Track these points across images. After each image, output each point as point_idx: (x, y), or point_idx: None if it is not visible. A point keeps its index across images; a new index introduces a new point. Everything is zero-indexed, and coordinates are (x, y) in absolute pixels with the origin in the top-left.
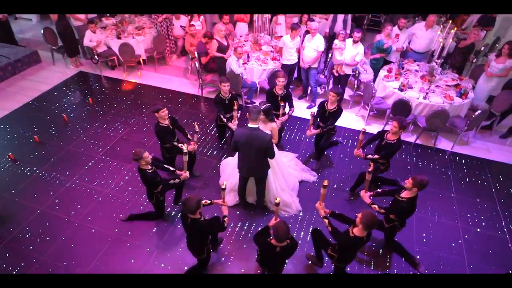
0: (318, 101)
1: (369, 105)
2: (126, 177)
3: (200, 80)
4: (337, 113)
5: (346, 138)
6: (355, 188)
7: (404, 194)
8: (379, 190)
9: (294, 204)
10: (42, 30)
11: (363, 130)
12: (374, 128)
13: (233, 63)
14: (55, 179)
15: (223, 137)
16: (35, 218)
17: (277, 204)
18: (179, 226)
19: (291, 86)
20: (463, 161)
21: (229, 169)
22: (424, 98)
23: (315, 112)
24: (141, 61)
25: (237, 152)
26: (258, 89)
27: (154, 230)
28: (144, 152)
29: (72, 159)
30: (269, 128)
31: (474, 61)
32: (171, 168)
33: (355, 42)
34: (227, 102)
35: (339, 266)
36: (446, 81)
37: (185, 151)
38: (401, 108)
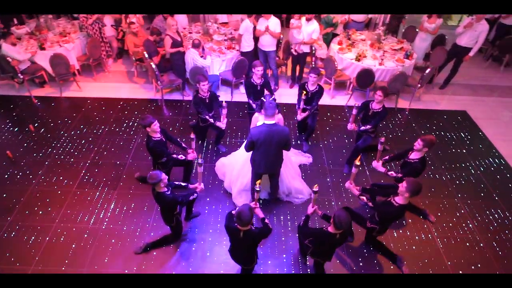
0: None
1: (332, 79)
2: (113, 205)
3: (159, 82)
4: (320, 92)
5: (320, 113)
6: (352, 161)
7: (414, 156)
8: (386, 157)
9: (305, 189)
10: None
11: (356, 105)
12: (339, 100)
13: (197, 57)
14: (27, 235)
15: (205, 138)
16: None
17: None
18: (202, 242)
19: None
20: (421, 115)
21: (235, 170)
22: (380, 64)
23: (299, 95)
24: (76, 71)
25: (236, 152)
26: (220, 81)
27: (178, 253)
28: (161, 173)
29: (41, 200)
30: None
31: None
32: (183, 184)
33: (308, 20)
34: (207, 101)
35: (377, 236)
36: (392, 46)
37: (199, 162)
38: (365, 77)
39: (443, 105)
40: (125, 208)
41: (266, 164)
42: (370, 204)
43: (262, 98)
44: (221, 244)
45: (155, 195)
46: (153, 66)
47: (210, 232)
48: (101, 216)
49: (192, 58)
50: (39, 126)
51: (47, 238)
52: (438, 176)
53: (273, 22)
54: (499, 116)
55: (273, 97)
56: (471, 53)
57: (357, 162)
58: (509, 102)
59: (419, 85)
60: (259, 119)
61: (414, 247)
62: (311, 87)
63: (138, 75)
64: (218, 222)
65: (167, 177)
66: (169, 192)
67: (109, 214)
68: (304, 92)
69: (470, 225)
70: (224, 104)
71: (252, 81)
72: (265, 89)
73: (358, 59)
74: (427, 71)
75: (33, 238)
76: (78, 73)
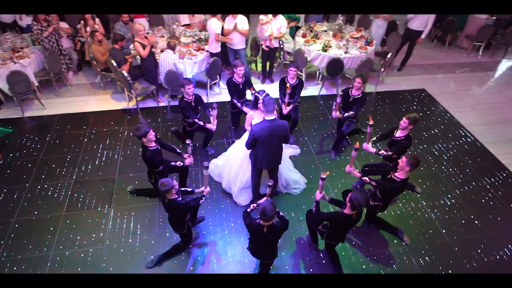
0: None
1: (304, 71)
2: (111, 222)
3: (132, 91)
4: (301, 85)
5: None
6: (337, 146)
7: (400, 134)
8: (374, 138)
9: (301, 179)
10: None
11: (340, 93)
12: (311, 91)
13: (178, 60)
14: (22, 269)
15: None
16: None
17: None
18: (212, 245)
19: (224, 71)
20: (387, 96)
21: (233, 169)
22: (345, 53)
23: (281, 90)
24: (35, 88)
25: (229, 152)
26: (194, 84)
27: (191, 260)
28: (172, 180)
29: (28, 232)
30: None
31: None
32: (189, 189)
33: (275, 15)
34: (193, 104)
35: (379, 213)
36: (352, 34)
37: (205, 164)
38: (335, 66)
39: (404, 85)
40: (125, 223)
41: (269, 160)
42: (373, 183)
43: (256, 94)
44: (232, 243)
45: (167, 203)
46: (125, 74)
47: (219, 235)
48: (101, 235)
49: (170, 62)
50: (7, 153)
51: (47, 269)
52: (414, 150)
53: (241, 20)
54: (452, 91)
55: (265, 93)
56: (422, 36)
57: (357, 146)
58: (457, 77)
59: (383, 69)
60: (254, 116)
61: (410, 221)
62: (292, 81)
63: (105, 86)
64: (224, 223)
65: (177, 183)
66: (180, 199)
67: (108, 232)
68: (287, 85)
69: (453, 193)
70: (214, 105)
71: (234, 80)
72: (246, 87)
73: (324, 49)
74: (389, 55)
75: (30, 270)
76: (38, 90)
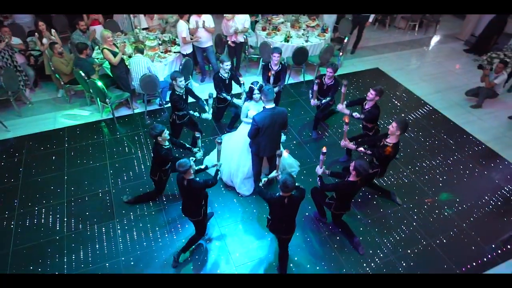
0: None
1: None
2: (119, 234)
3: (107, 100)
4: (284, 70)
5: None
6: (316, 126)
7: (368, 105)
8: (347, 102)
9: (294, 162)
10: None
11: (316, 81)
12: None
13: (151, 64)
14: None
15: (179, 136)
16: None
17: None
18: (225, 239)
19: (195, 72)
20: (347, 78)
21: (233, 162)
22: (306, 41)
23: (264, 76)
24: None
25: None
26: (168, 87)
27: (210, 255)
28: (189, 160)
29: (31, 259)
30: None
31: None
32: (203, 167)
33: None
34: (184, 97)
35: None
36: (308, 24)
37: (219, 140)
38: (300, 55)
39: (359, 66)
40: (135, 233)
41: (271, 147)
42: (369, 152)
43: (251, 85)
44: (241, 236)
45: (186, 184)
46: (100, 83)
47: (231, 228)
48: (113, 250)
49: (147, 64)
50: None
51: None
52: (384, 123)
53: (207, 18)
54: (401, 67)
55: (259, 84)
56: (370, 20)
57: (347, 120)
58: (401, 54)
59: (341, 53)
60: (249, 108)
61: (394, 187)
62: (275, 67)
63: (70, 100)
64: (232, 216)
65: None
66: (197, 179)
67: (120, 245)
68: (270, 72)
69: (427, 161)
70: (209, 94)
71: (221, 75)
72: (233, 81)
73: (287, 40)
74: (346, 40)
75: None
76: None
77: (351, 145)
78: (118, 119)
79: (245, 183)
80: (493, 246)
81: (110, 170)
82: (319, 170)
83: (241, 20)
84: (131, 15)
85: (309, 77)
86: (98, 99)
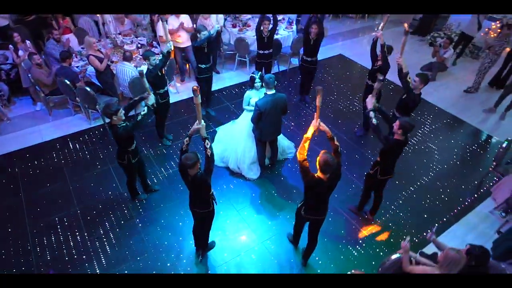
0: None
1: (247, 57)
2: (142, 228)
3: (98, 106)
4: (275, 26)
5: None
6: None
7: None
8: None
9: (291, 144)
10: None
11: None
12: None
13: (130, 71)
14: None
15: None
16: None
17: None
18: (248, 228)
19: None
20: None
21: (239, 149)
22: (276, 34)
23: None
24: None
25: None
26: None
27: (237, 242)
28: (197, 153)
29: (66, 268)
30: None
31: None
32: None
33: None
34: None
35: None
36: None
37: (196, 87)
38: (277, 47)
39: (325, 54)
40: (158, 229)
41: (274, 131)
42: (373, 121)
43: (252, 74)
44: (260, 215)
45: (198, 179)
46: (89, 89)
47: (247, 209)
48: (142, 244)
49: (131, 74)
50: None
51: None
52: (353, 108)
53: (185, 19)
54: (360, 52)
55: (260, 73)
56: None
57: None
58: (358, 41)
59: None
60: (251, 96)
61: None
62: (266, 33)
63: (51, 112)
64: (246, 200)
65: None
66: (200, 172)
67: (146, 243)
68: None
69: None
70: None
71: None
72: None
73: None
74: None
75: None
76: None
77: (370, 104)
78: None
79: (252, 168)
80: (469, 190)
81: (114, 173)
82: (370, 101)
83: (214, 18)
84: (100, 23)
85: (282, 67)
86: (86, 106)
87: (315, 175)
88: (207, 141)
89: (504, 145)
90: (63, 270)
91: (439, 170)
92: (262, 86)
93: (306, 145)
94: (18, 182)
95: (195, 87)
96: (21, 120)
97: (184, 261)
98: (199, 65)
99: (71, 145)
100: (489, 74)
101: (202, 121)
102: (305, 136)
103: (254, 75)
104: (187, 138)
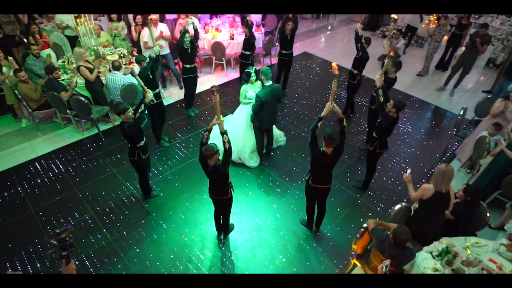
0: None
1: (224, 60)
2: (163, 224)
3: (92, 116)
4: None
5: (229, 90)
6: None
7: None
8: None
9: (281, 132)
10: None
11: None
12: (234, 75)
13: (121, 79)
14: None
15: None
16: None
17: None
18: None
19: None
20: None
21: (240, 141)
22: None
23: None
24: None
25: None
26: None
27: (251, 232)
28: (215, 145)
29: (96, 268)
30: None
31: None
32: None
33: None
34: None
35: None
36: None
37: (214, 88)
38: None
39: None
40: (173, 223)
41: (272, 119)
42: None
43: (248, 70)
44: (268, 196)
45: (210, 170)
46: (83, 99)
47: (255, 192)
48: (164, 236)
49: (123, 82)
50: None
51: None
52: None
53: (163, 27)
54: (322, 48)
55: (254, 67)
56: (290, 15)
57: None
58: (317, 39)
59: (277, 43)
60: (248, 89)
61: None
62: (288, 32)
63: (38, 127)
64: (251, 185)
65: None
66: (219, 161)
67: (166, 237)
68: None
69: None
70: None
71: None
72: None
73: (231, 38)
74: (276, 33)
75: None
76: None
77: (379, 82)
78: (108, 131)
79: (252, 156)
80: (437, 155)
81: (120, 177)
82: (378, 79)
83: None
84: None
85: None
86: (79, 117)
87: (321, 148)
88: (225, 135)
89: (461, 113)
90: (95, 271)
91: (413, 144)
92: (256, 80)
93: (319, 124)
94: (23, 197)
95: (214, 87)
96: (9, 137)
97: (210, 245)
98: (184, 65)
99: (68, 156)
100: (434, 60)
101: (221, 116)
102: (319, 116)
103: (250, 70)
104: (207, 132)
